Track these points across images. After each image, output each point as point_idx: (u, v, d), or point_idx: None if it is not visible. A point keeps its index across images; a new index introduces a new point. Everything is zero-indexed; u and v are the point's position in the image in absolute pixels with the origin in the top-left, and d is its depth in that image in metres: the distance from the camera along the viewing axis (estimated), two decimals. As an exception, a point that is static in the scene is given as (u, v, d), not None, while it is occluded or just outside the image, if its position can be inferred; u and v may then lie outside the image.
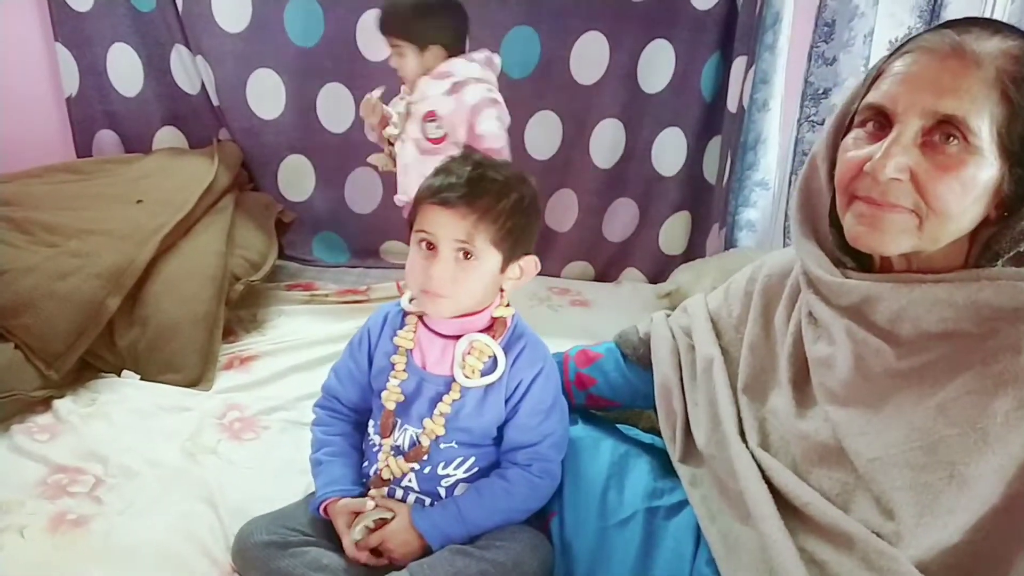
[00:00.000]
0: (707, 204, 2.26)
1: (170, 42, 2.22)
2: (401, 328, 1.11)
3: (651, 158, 2.26)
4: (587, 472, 1.09)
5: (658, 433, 1.17)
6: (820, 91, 1.94)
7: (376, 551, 1.04)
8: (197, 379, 1.58)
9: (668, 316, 1.19)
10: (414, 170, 1.66)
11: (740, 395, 1.01)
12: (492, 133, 1.59)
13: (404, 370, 1.08)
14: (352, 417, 1.18)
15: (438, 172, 1.03)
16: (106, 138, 2.29)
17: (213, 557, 1.12)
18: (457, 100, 1.60)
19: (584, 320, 2.03)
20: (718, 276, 1.98)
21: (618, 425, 1.23)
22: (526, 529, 1.06)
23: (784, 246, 2.06)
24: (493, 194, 1.00)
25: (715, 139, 2.22)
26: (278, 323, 1.92)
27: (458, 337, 1.06)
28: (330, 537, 1.07)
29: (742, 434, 0.97)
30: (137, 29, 2.18)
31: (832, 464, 0.87)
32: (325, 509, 1.09)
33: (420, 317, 1.10)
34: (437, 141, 1.63)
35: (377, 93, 1.75)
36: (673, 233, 2.31)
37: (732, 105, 2.10)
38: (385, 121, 1.77)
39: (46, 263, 1.55)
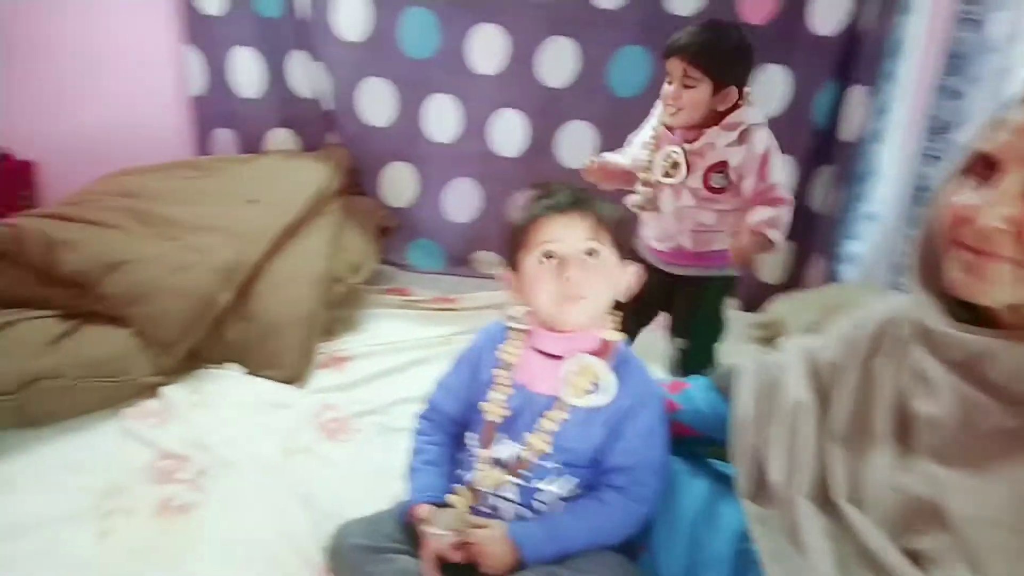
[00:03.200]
0: (812, 234, 2.18)
1: (290, 48, 2.31)
2: (504, 344, 1.12)
3: (757, 184, 2.20)
4: (681, 504, 1.07)
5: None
6: (943, 126, 1.85)
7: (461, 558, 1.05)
8: (295, 376, 1.64)
9: (761, 352, 1.15)
10: (688, 217, 1.55)
11: (832, 445, 0.98)
12: (782, 182, 1.51)
13: (509, 385, 1.09)
14: (452, 429, 1.20)
15: (540, 196, 1.08)
16: (223, 137, 2.40)
17: (306, 556, 1.15)
18: (747, 149, 1.49)
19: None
20: (818, 310, 1.91)
21: (711, 460, 1.20)
22: (615, 556, 1.05)
23: (893, 283, 1.97)
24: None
25: (825, 168, 2.15)
26: (373, 325, 1.97)
27: (563, 357, 1.07)
28: (419, 546, 1.09)
29: (823, 486, 0.94)
30: (261, 34, 2.28)
31: (928, 521, 0.84)
32: (413, 514, 1.11)
33: (527, 334, 1.11)
34: (720, 191, 1.52)
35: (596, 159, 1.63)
36: (774, 262, 2.24)
37: (846, 134, 2.03)
38: (615, 174, 1.63)
39: (165, 256, 1.63)
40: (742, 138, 1.48)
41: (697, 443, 1.21)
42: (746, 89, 1.50)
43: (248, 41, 2.28)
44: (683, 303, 1.65)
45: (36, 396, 1.35)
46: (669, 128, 1.54)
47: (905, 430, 0.89)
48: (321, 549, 1.15)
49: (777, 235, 1.50)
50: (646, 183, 1.56)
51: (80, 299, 1.60)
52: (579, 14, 2.13)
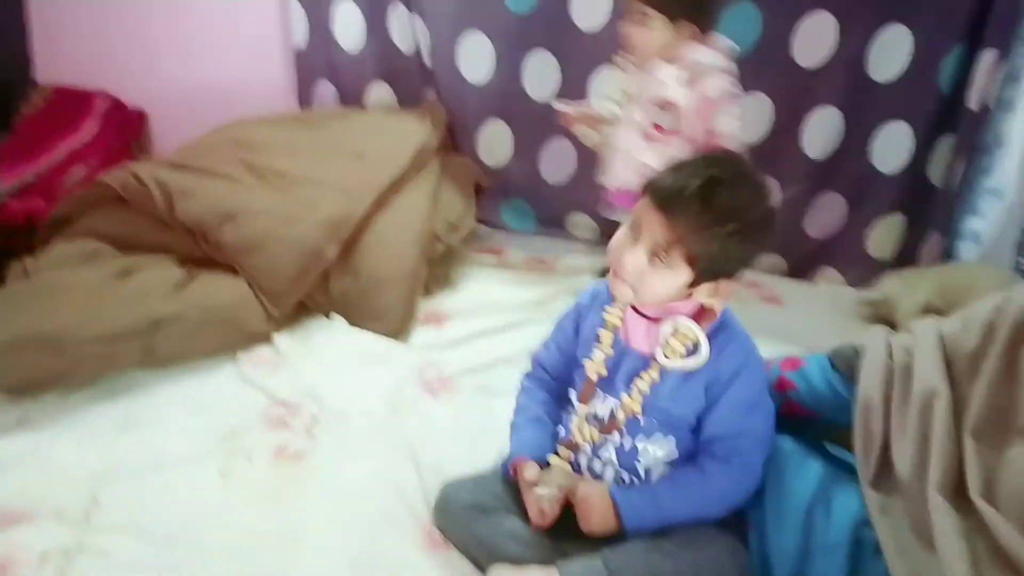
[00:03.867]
0: (928, 208, 2.08)
1: (391, 1, 2.30)
2: (609, 304, 1.12)
3: (870, 152, 2.10)
4: (793, 487, 1.05)
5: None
6: (1084, 96, 1.73)
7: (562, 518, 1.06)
8: (398, 331, 1.67)
9: (889, 333, 1.11)
10: (632, 157, 1.55)
11: (967, 436, 0.93)
12: (731, 133, 1.48)
13: (611, 345, 1.10)
14: (555, 387, 1.21)
15: (676, 169, 1.01)
16: (324, 89, 2.42)
17: (414, 509, 1.18)
18: (698, 92, 1.47)
19: (775, 319, 1.93)
20: (934, 290, 1.83)
21: (825, 444, 1.17)
22: (725, 533, 1.04)
23: (1016, 264, 1.87)
24: (709, 216, 0.96)
25: (946, 138, 2.03)
26: (468, 284, 1.98)
27: (660, 320, 1.06)
28: (522, 506, 1.11)
29: (959, 479, 0.90)
30: (363, -13, 2.28)
31: None
32: (514, 469, 1.12)
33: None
34: (666, 132, 1.50)
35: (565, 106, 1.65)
36: (884, 236, 2.15)
37: (973, 102, 1.91)
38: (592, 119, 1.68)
39: (276, 208, 1.67)
40: (695, 79, 1.42)
41: (810, 423, 1.18)
42: (712, 32, 1.46)
43: (351, -7, 2.29)
44: None
45: (161, 338, 1.41)
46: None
47: None
48: (426, 504, 1.18)
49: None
50: (597, 119, 1.58)
51: (196, 246, 1.65)
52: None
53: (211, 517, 1.14)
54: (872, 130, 2.07)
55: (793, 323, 1.88)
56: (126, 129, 2.52)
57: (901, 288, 1.89)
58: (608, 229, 2.25)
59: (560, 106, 1.60)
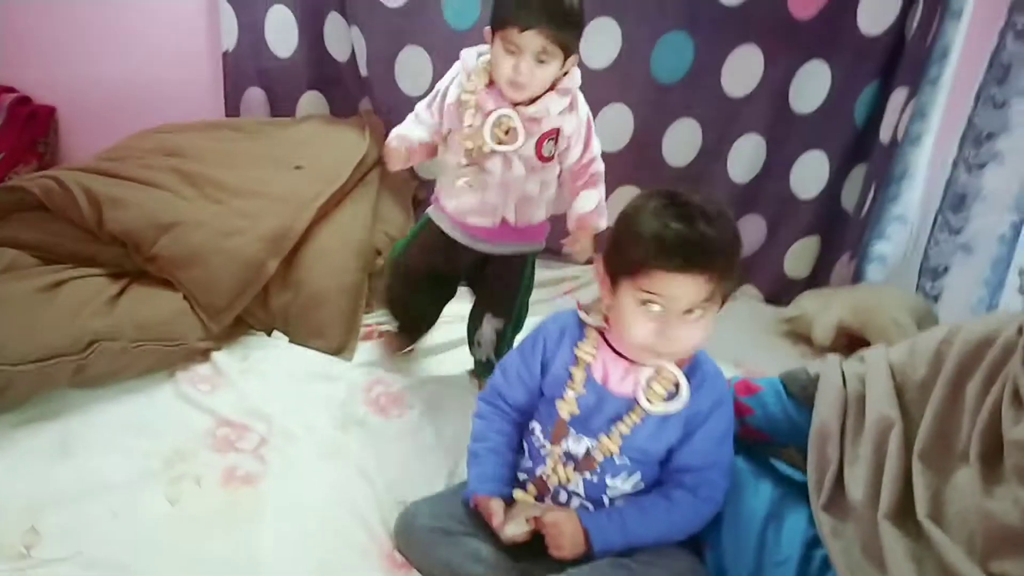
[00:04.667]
0: (840, 232, 2.22)
1: (327, 8, 2.26)
2: (581, 340, 1.13)
3: (789, 178, 2.22)
4: (748, 506, 1.11)
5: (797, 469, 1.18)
6: (984, 134, 1.88)
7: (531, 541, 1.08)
8: (341, 347, 1.64)
9: (842, 360, 1.18)
10: (516, 188, 1.42)
11: (916, 460, 1.00)
12: (599, 153, 1.46)
13: (583, 384, 1.10)
14: (514, 417, 1.21)
15: (652, 222, 0.97)
16: (254, 96, 2.35)
17: (372, 531, 1.17)
18: (576, 116, 1.42)
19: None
20: (846, 309, 1.96)
21: (773, 461, 1.24)
22: (685, 553, 1.09)
23: (919, 285, 2.02)
24: (727, 246, 0.98)
25: (859, 167, 2.18)
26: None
27: (639, 362, 1.08)
28: (485, 528, 1.12)
29: (909, 502, 0.97)
30: (298, -8, 2.23)
31: (1016, 546, 0.86)
32: (475, 502, 1.13)
33: (602, 333, 1.12)
34: (549, 159, 1.42)
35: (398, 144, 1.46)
36: (800, 257, 2.27)
37: (885, 135, 2.06)
38: (417, 152, 1.49)
39: (214, 220, 1.62)
40: (572, 104, 1.41)
41: (763, 445, 1.24)
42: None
43: (285, -1, 2.24)
44: (501, 281, 1.54)
45: (95, 357, 1.34)
46: (490, 88, 1.37)
47: (996, 453, 0.92)
48: (384, 525, 1.18)
49: (604, 222, 1.45)
50: (472, 156, 1.39)
51: (127, 258, 1.58)
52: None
53: (161, 545, 1.10)
54: (793, 157, 2.20)
55: (714, 336, 1.97)
56: (34, 126, 2.37)
57: (816, 306, 2.02)
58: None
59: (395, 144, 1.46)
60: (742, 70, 2.13)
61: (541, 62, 1.31)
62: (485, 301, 1.57)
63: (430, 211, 1.56)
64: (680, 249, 0.94)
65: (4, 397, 1.25)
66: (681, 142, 2.24)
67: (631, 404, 1.08)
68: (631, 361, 1.09)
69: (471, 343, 1.59)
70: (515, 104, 1.36)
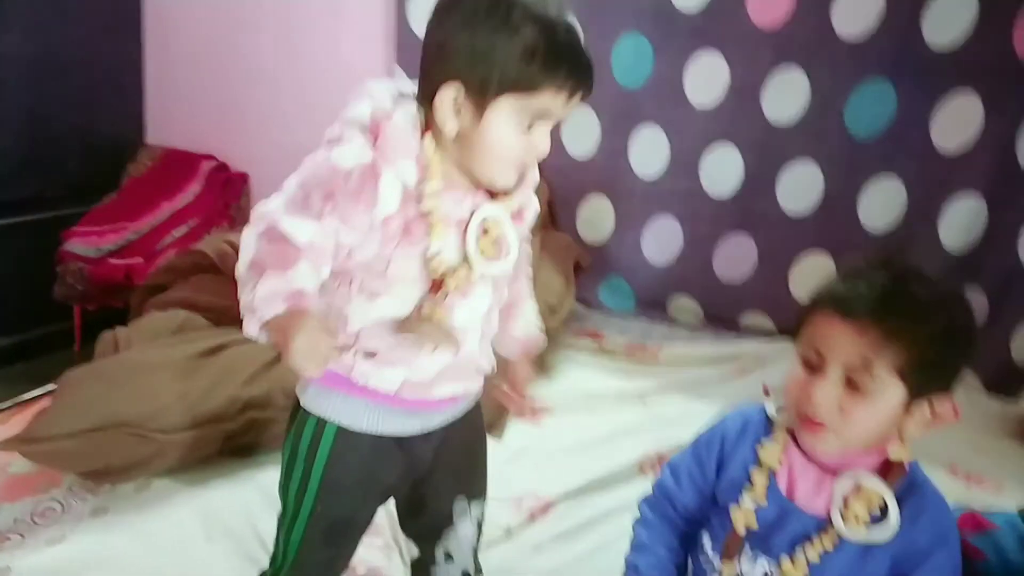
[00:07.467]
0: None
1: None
2: (766, 438, 0.95)
3: (1017, 248, 1.90)
4: None
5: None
6: None
7: None
8: (492, 426, 1.54)
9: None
10: (493, 322, 0.96)
11: None
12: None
13: (765, 493, 0.92)
14: (681, 527, 1.04)
15: (846, 276, 0.86)
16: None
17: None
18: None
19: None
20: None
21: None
22: None
23: None
24: (911, 314, 0.81)
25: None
26: (567, 370, 1.87)
27: (836, 470, 0.88)
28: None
29: None
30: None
31: None
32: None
33: (791, 432, 0.94)
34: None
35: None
36: (1026, 337, 1.93)
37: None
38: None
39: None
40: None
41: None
42: None
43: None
44: (469, 448, 1.02)
45: (244, 424, 1.33)
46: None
47: None
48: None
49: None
50: (440, 296, 0.84)
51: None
52: (814, 44, 1.94)
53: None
54: (1020, 222, 1.88)
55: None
56: (228, 191, 2.54)
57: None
58: (712, 314, 2.06)
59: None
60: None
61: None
62: (454, 487, 1.00)
63: (328, 415, 0.90)
64: (848, 296, 0.83)
65: (154, 464, 1.25)
66: (880, 203, 1.99)
67: (822, 524, 0.88)
68: (824, 470, 0.89)
69: (430, 565, 1.03)
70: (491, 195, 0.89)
